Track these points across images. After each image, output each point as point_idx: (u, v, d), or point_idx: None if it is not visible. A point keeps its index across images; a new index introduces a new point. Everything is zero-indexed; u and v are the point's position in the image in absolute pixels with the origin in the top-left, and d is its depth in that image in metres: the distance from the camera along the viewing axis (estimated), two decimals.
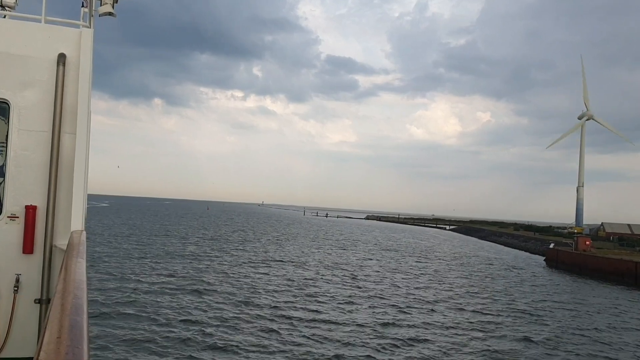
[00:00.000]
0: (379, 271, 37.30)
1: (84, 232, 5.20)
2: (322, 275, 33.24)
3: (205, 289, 25.84)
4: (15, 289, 5.72)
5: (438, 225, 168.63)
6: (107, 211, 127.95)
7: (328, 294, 26.63)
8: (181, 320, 19.60)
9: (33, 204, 5.85)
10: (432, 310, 24.47)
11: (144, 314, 20.20)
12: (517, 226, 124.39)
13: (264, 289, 26.83)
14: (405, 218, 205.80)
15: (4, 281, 5.74)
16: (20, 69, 5.95)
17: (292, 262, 39.64)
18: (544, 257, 58.01)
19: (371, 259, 45.78)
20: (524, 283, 36.45)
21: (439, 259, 50.28)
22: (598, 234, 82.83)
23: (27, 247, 5.82)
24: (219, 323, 19.42)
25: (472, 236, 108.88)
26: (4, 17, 6.42)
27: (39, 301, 5.75)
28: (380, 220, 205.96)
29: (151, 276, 28.74)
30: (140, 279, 27.41)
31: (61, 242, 5.67)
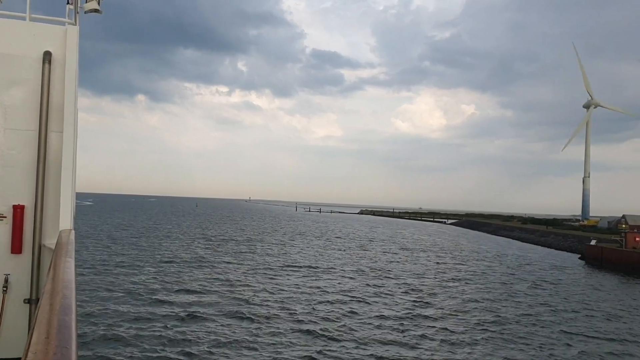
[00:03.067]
0: (422, 276, 31.90)
1: (73, 231, 5.18)
2: (366, 283, 27.68)
3: (238, 307, 20.17)
4: (4, 289, 5.66)
5: (436, 220, 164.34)
6: (91, 210, 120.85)
7: (386, 313, 21.16)
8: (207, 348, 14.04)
9: (21, 204, 5.80)
10: (522, 333, 19.17)
11: (154, 336, 14.63)
12: (522, 219, 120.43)
13: (303, 304, 21.27)
14: (400, 212, 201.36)
15: None
16: (6, 68, 5.87)
17: (318, 267, 34.06)
18: (579, 255, 53.34)
19: (401, 261, 40.39)
20: (592, 292, 31.39)
21: (470, 259, 45.13)
22: (618, 227, 78.34)
23: (16, 247, 5.76)
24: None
25: (479, 231, 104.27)
26: None
27: (28, 301, 5.73)
28: (375, 214, 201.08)
29: (162, 291, 22.87)
30: (148, 293, 21.59)
31: (50, 241, 5.64)
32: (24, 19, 6.10)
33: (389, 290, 26.48)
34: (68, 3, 6.35)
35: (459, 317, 21.28)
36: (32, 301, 5.72)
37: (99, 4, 6.43)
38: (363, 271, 33.46)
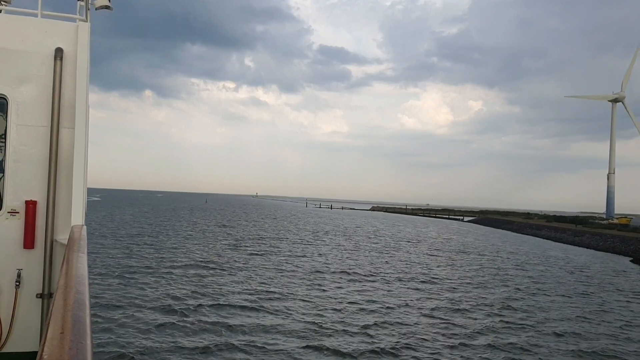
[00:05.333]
0: (483, 286, 28.06)
1: (85, 227, 5.20)
2: (425, 294, 23.87)
3: (281, 319, 16.48)
4: (17, 284, 5.71)
5: (451, 217, 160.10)
6: (100, 205, 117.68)
7: (465, 331, 17.42)
8: None
9: (33, 199, 5.85)
10: None
11: None
12: (546, 217, 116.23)
13: (361, 317, 17.53)
14: (413, 209, 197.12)
15: (5, 276, 5.75)
16: (18, 64, 5.91)
17: (361, 272, 30.26)
18: (631, 258, 49.39)
19: (445, 265, 36.53)
20: None
21: (520, 263, 41.18)
22: None
23: (28, 242, 5.80)
24: None
25: (502, 229, 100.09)
26: (0, 12, 6.31)
27: (40, 296, 5.77)
28: (387, 211, 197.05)
29: (192, 299, 19.17)
30: (176, 301, 17.97)
31: (62, 236, 5.71)
32: (35, 15, 6.09)
33: (453, 301, 22.67)
34: (79, 0, 6.30)
35: (562, 341, 17.47)
36: (45, 296, 5.75)
37: (109, 0, 6.34)
38: (411, 277, 29.62)
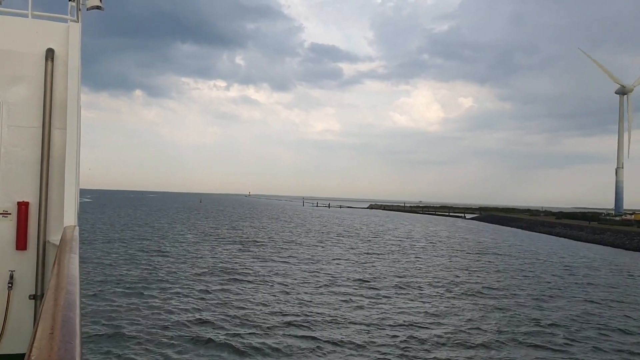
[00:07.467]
0: (541, 299, 24.55)
1: (77, 228, 5.15)
2: (476, 309, 20.35)
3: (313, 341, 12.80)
4: (9, 285, 5.64)
5: (451, 214, 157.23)
6: (92, 207, 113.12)
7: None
8: None
9: (25, 200, 5.79)
10: None
11: None
12: (554, 213, 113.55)
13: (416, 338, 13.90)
14: (412, 206, 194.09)
15: None
16: (9, 65, 5.85)
17: (391, 282, 26.65)
18: None
19: (475, 270, 33.03)
20: None
21: (554, 265, 37.82)
22: None
23: (20, 243, 5.75)
24: None
25: (509, 226, 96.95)
26: None
27: (33, 297, 5.70)
28: (385, 209, 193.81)
29: (211, 312, 15.45)
30: (191, 315, 14.30)
31: (54, 237, 5.65)
32: (26, 16, 6.05)
33: (526, 319, 19.11)
34: (70, 0, 6.27)
35: None
36: (37, 297, 5.68)
37: (100, 0, 6.28)
38: (456, 285, 26.02)
